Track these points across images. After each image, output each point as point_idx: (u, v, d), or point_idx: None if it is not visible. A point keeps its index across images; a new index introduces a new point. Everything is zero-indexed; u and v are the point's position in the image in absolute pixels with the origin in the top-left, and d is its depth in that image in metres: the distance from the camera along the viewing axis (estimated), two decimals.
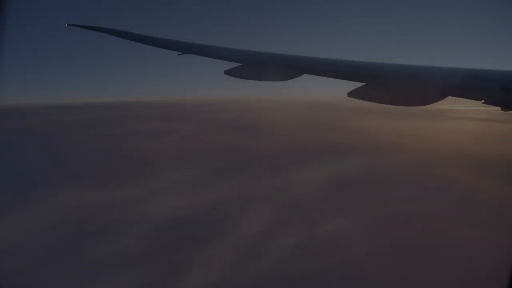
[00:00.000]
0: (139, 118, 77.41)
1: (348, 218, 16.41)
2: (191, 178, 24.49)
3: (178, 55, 5.93)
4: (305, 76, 5.08)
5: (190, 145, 41.30)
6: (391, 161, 29.35)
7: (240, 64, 5.37)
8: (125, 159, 33.20)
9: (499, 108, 3.64)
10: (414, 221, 16.28)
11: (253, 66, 5.51)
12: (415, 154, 32.13)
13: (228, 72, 5.41)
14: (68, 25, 6.70)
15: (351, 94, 4.71)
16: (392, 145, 37.51)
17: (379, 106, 4.90)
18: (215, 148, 38.74)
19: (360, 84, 4.66)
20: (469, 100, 3.90)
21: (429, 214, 17.02)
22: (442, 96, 4.25)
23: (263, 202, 19.15)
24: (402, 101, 4.60)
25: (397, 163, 28.59)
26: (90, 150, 38.05)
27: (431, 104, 4.39)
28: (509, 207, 17.36)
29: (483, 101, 3.73)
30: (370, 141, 39.89)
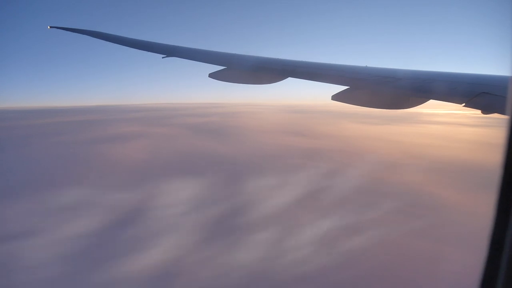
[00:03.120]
0: (115, 123, 76.44)
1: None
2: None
3: (162, 58, 5.91)
4: (291, 79, 5.12)
5: (150, 151, 40.37)
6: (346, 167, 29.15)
7: (225, 67, 5.37)
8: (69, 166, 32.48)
9: (479, 112, 3.71)
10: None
11: (237, 69, 5.52)
12: (374, 160, 32.19)
13: (212, 75, 5.40)
14: (50, 27, 6.61)
15: (335, 97, 4.76)
16: (357, 150, 37.56)
17: (362, 110, 4.95)
18: (173, 154, 38.10)
19: (343, 88, 4.70)
20: (450, 103, 3.98)
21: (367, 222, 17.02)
22: (423, 99, 4.32)
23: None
24: (384, 104, 4.65)
25: (354, 169, 28.56)
26: (41, 157, 37.25)
27: (414, 108, 4.47)
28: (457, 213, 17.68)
29: (463, 104, 3.80)
30: (339, 146, 39.93)
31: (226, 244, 14.75)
